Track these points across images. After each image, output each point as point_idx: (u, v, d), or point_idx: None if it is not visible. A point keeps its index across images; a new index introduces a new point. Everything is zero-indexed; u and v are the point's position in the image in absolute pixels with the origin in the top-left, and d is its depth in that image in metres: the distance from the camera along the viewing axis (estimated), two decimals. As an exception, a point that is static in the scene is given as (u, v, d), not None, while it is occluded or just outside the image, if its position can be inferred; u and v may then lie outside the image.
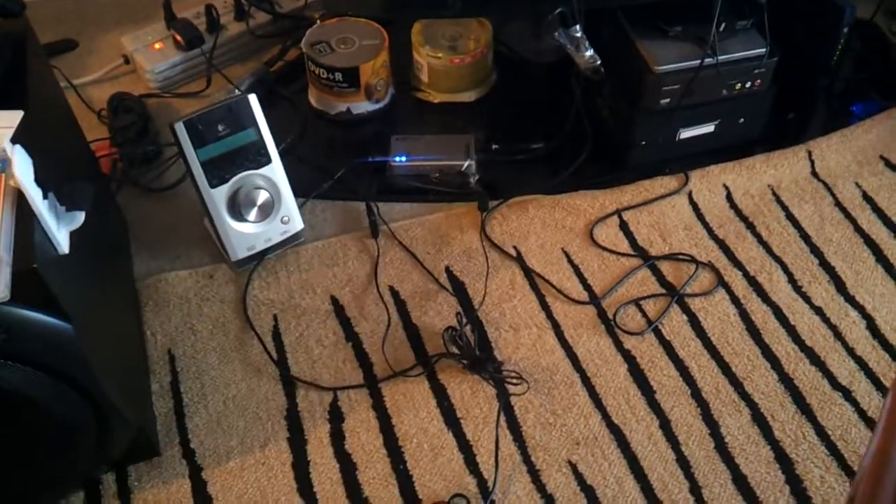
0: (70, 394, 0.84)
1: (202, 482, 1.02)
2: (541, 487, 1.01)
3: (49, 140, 0.97)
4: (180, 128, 1.09)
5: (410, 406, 1.09)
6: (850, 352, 1.14)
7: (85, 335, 0.83)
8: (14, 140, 0.78)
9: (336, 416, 1.08)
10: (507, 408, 1.08)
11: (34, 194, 0.77)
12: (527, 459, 1.04)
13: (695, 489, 1.01)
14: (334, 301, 1.21)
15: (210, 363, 1.14)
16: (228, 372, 1.13)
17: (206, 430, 1.07)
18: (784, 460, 1.03)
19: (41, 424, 0.85)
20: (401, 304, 1.20)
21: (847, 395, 1.09)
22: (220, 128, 1.11)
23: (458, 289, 1.22)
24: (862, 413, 1.07)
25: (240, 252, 1.21)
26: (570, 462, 1.03)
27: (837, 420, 1.07)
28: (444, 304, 1.20)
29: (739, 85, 1.31)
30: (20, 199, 0.76)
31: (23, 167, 0.76)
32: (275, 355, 1.14)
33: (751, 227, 1.31)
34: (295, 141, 1.43)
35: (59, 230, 0.82)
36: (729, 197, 1.35)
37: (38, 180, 0.78)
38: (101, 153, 1.38)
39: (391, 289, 1.22)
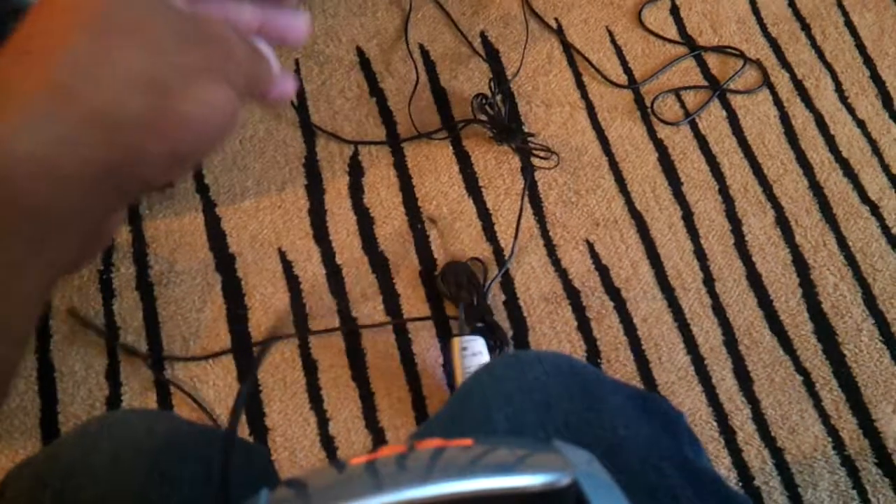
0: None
1: (216, 218, 1.00)
2: (556, 261, 1.01)
3: None
4: None
5: (432, 169, 1.06)
6: (886, 168, 1.11)
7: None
8: None
9: (356, 170, 1.05)
10: (530, 182, 1.05)
11: None
12: (545, 234, 1.03)
13: (708, 281, 1.01)
14: (360, 52, 1.13)
15: (226, 101, 1.08)
16: (245, 112, 1.07)
17: (220, 167, 1.03)
18: (801, 264, 1.03)
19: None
20: (430, 65, 1.13)
21: (874, 209, 1.07)
22: None
23: (492, 56, 1.15)
24: (886, 229, 1.06)
25: (263, -14, 1.11)
26: (587, 241, 1.02)
27: (860, 233, 1.05)
28: (475, 70, 1.13)
29: None
30: None
31: None
32: (295, 101, 1.09)
33: (806, 28, 1.22)
34: None
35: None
36: (790, -6, 1.25)
37: None
38: None
39: (421, 47, 1.15)
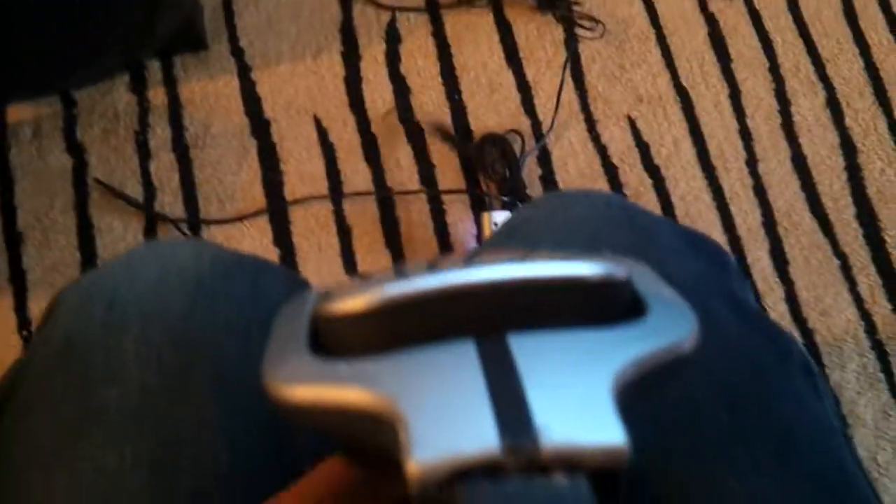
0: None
1: (251, 82, 0.99)
2: (595, 137, 0.99)
3: None
4: None
5: (472, 38, 1.02)
6: (948, 50, 1.05)
7: None
8: None
9: (393, 37, 1.02)
10: (573, 54, 1.02)
11: None
12: (585, 108, 1.00)
13: (751, 161, 0.98)
14: (399, -87, 1.08)
15: (261, -38, 1.05)
16: (280, -26, 1.04)
17: (255, 30, 1.01)
18: (849, 147, 0.99)
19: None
20: (472, -73, 1.08)
21: (932, 94, 1.03)
22: None
23: (538, -81, 1.09)
24: (942, 114, 1.02)
25: None
26: (629, 117, 1.00)
27: (914, 117, 1.01)
28: (520, -66, 1.08)
29: None
30: None
31: None
32: (331, -37, 1.05)
33: None
34: None
35: None
36: None
37: None
38: None
39: None
